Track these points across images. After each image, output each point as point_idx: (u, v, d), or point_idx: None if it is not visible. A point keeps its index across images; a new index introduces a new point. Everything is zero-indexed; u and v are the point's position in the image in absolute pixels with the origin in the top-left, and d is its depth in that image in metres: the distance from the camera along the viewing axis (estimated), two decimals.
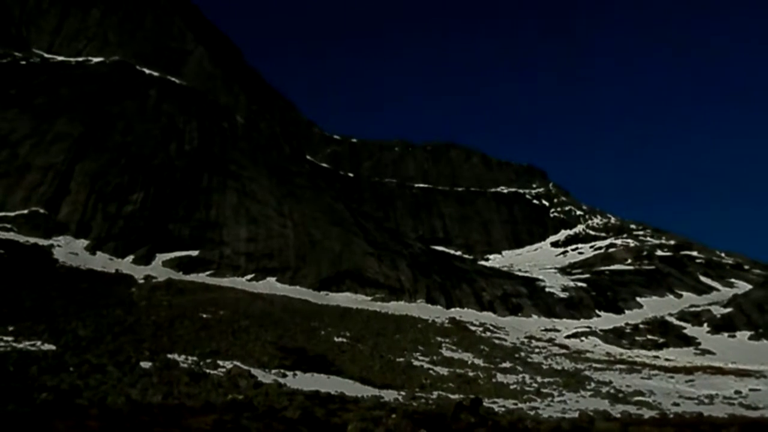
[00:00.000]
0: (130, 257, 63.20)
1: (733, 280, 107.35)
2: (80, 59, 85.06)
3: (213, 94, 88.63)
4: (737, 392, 41.02)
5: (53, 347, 29.32)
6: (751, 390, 42.02)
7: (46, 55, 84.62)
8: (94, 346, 31.68)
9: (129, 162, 71.44)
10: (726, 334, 74.89)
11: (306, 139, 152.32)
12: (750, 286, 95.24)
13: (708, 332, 75.96)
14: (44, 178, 64.95)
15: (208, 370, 28.59)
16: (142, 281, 56.31)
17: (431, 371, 41.64)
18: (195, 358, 31.77)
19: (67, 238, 60.99)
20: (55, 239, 59.73)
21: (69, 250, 58.63)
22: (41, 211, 62.18)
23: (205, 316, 46.42)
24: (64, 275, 51.41)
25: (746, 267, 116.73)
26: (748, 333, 74.38)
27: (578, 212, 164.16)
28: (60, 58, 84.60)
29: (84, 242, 61.60)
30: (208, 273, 66.80)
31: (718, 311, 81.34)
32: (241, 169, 79.91)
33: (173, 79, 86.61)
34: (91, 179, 67.15)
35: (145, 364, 27.21)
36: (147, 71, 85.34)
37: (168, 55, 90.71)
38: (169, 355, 31.14)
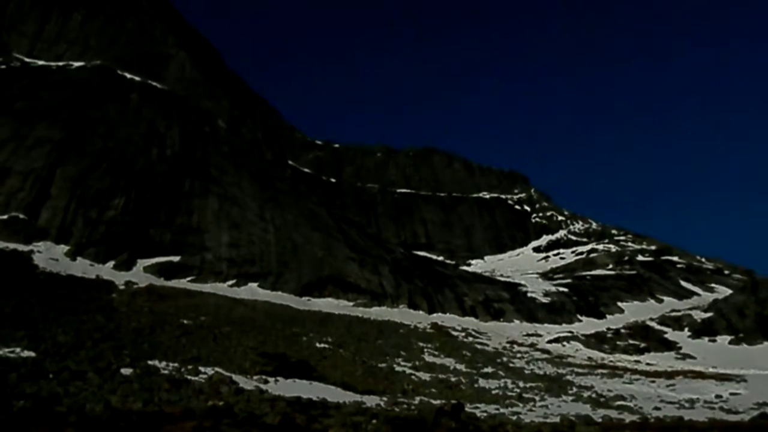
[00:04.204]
0: (111, 263, 62.65)
1: (713, 285, 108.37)
2: (61, 64, 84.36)
3: (195, 99, 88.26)
4: (718, 396, 41.40)
5: (32, 354, 28.99)
6: (731, 394, 42.41)
7: (26, 60, 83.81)
8: (74, 353, 31.34)
9: (110, 167, 70.90)
10: (706, 339, 75.55)
11: (288, 144, 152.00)
12: (730, 291, 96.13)
13: (689, 337, 76.60)
14: (24, 183, 64.27)
15: (189, 377, 28.41)
16: (122, 287, 55.85)
17: (413, 376, 41.66)
18: (176, 365, 31.55)
19: (48, 243, 60.36)
20: (35, 245, 59.10)
21: (49, 255, 58.03)
22: (21, 216, 61.51)
23: (186, 322, 46.13)
24: (44, 281, 50.89)
25: (726, 272, 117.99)
26: (729, 337, 75.08)
27: (560, 217, 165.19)
28: (40, 63, 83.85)
29: (64, 248, 61.01)
30: (189, 279, 66.39)
31: (698, 316, 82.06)
32: (223, 174, 79.60)
33: (155, 83, 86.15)
34: (72, 184, 66.56)
35: (126, 371, 27.01)
36: (128, 76, 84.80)
37: (149, 59, 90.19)
38: (150, 362, 30.91)
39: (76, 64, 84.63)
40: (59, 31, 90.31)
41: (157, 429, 13.43)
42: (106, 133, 74.51)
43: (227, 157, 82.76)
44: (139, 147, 75.88)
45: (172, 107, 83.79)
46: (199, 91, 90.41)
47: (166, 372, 28.78)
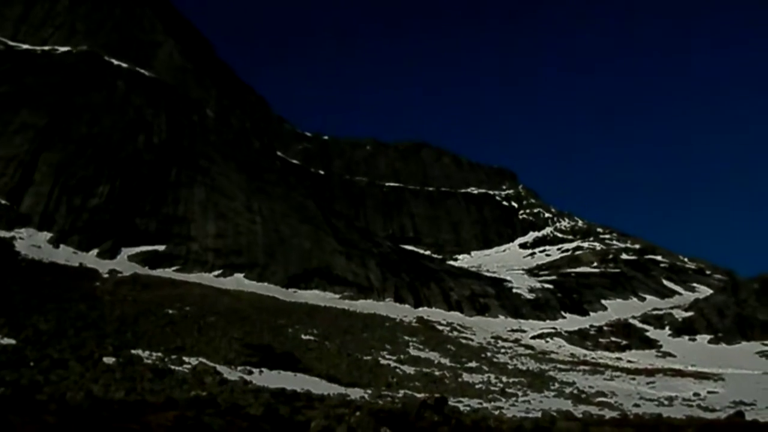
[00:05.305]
0: (95, 251, 62.25)
1: (695, 284, 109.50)
2: (46, 48, 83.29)
3: (183, 88, 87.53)
4: (696, 394, 41.89)
5: (13, 341, 28.73)
6: (709, 392, 42.96)
7: (10, 43, 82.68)
8: (56, 341, 31.11)
9: (95, 154, 70.32)
10: (687, 338, 76.35)
11: (277, 136, 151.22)
12: (711, 291, 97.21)
13: (669, 335, 77.36)
14: (7, 169, 63.65)
15: (172, 367, 28.29)
16: (106, 276, 55.52)
17: (398, 370, 41.77)
18: (160, 354, 31.41)
19: (30, 230, 59.86)
20: (18, 231, 58.58)
21: (31, 242, 57.56)
22: (3, 202, 60.93)
23: (170, 311, 45.93)
24: (25, 268, 50.49)
25: (708, 272, 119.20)
26: (708, 336, 75.93)
27: (547, 214, 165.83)
28: (25, 47, 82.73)
29: (47, 235, 60.53)
30: (174, 268, 66.10)
31: (679, 315, 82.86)
32: (211, 164, 79.14)
33: (142, 71, 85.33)
34: (56, 171, 65.97)
35: (108, 360, 26.83)
36: (115, 62, 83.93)
37: (137, 46, 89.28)
38: (133, 351, 30.74)
39: (62, 49, 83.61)
40: (45, 15, 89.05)
41: (139, 418, 13.34)
42: (91, 120, 73.83)
43: (215, 147, 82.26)
44: (125, 135, 75.25)
45: (159, 95, 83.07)
46: (187, 80, 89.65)
47: (149, 361, 28.64)
